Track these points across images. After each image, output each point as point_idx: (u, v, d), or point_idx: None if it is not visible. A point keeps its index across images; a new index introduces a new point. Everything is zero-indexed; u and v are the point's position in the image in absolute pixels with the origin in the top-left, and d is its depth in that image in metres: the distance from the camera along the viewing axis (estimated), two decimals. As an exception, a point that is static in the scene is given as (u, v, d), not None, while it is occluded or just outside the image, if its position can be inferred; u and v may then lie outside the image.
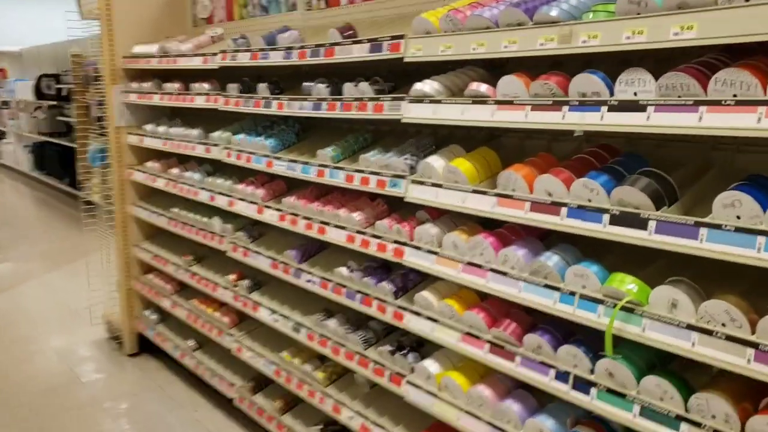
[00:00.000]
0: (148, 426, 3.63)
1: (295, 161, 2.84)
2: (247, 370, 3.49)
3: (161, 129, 3.97)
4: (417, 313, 2.31)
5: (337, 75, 2.80)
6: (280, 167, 2.93)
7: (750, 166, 1.71)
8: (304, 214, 2.84)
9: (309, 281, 2.85)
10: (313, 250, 3.02)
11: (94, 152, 4.35)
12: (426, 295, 2.30)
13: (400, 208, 2.59)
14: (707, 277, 1.63)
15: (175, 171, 3.88)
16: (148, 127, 4.12)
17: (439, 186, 2.16)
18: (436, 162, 2.22)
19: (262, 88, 3.06)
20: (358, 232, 2.55)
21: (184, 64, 3.56)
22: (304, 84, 2.81)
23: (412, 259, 2.31)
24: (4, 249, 7.42)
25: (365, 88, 2.49)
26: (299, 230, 2.86)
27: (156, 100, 3.89)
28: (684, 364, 1.64)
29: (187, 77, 3.80)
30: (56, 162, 11.08)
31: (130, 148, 4.32)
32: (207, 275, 3.68)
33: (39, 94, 11.42)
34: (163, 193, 4.06)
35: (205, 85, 3.49)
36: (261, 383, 3.43)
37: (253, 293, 3.35)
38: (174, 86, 3.76)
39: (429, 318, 2.27)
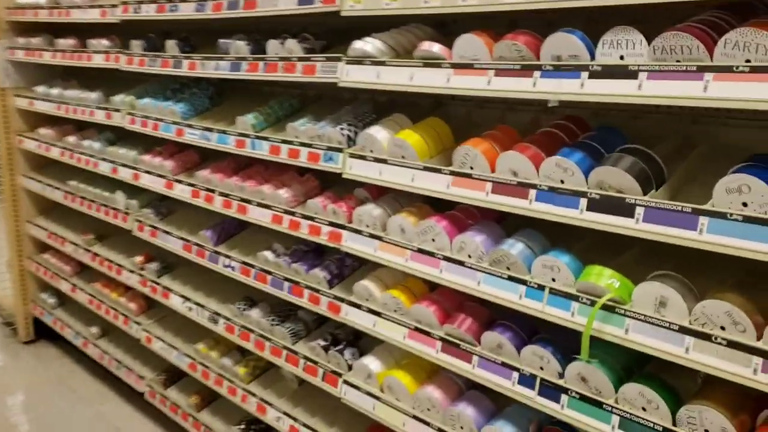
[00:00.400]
0: (47, 423, 3.23)
1: (209, 129, 2.48)
2: (159, 362, 3.14)
3: (54, 91, 3.49)
4: (357, 306, 2.04)
5: (259, 32, 2.45)
6: (192, 136, 2.56)
7: (739, 141, 1.52)
8: (221, 190, 2.50)
9: (228, 266, 2.52)
10: (232, 229, 2.69)
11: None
12: (367, 284, 2.03)
13: (332, 186, 2.30)
14: (691, 267, 1.43)
15: (71, 139, 3.42)
16: (40, 89, 3.62)
17: (384, 161, 1.88)
18: (379, 133, 1.93)
19: (171, 45, 2.66)
20: (286, 212, 2.24)
21: (79, 17, 3.09)
22: (220, 41, 2.44)
23: (351, 244, 2.02)
24: None
25: (293, 46, 2.16)
26: (216, 208, 2.51)
27: (47, 58, 3.39)
28: (661, 365, 1.45)
29: (84, 32, 3.33)
30: None
31: (18, 112, 3.80)
32: (110, 256, 3.27)
33: None
34: (59, 164, 3.58)
35: (104, 42, 3.04)
36: (174, 376, 3.09)
37: (162, 277, 2.99)
38: (68, 43, 3.28)
39: (371, 311, 2.00)
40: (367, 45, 1.89)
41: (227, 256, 2.53)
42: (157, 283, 2.93)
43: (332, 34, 2.23)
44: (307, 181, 2.36)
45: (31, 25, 3.63)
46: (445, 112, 2.13)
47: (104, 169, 3.11)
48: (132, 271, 3.08)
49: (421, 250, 1.83)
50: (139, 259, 3.08)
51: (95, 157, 3.19)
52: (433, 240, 1.81)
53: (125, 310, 3.23)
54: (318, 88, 2.50)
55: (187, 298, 2.77)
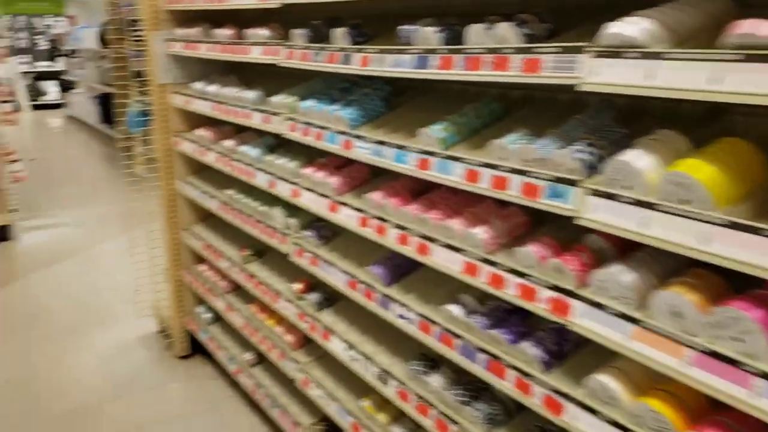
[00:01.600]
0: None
1: (384, 143, 1.94)
2: (318, 407, 2.69)
3: (211, 89, 3.13)
4: (590, 410, 1.40)
5: (455, 14, 1.86)
6: (362, 151, 2.03)
7: None
8: (396, 221, 1.95)
9: (402, 317, 1.97)
10: (407, 266, 2.14)
11: (134, 115, 3.56)
12: (607, 381, 1.38)
13: (545, 224, 1.66)
14: None
15: (229, 143, 3.04)
16: (197, 85, 3.29)
17: (652, 206, 1.22)
18: (640, 161, 1.27)
19: (340, 34, 2.14)
20: (485, 260, 1.64)
21: (235, 2, 2.68)
22: (402, 28, 1.88)
23: (585, 322, 1.39)
24: (63, 209, 6.89)
25: (506, 32, 1.54)
26: (389, 243, 1.97)
27: (203, 50, 3.03)
28: None
29: (244, 21, 2.93)
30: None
31: (177, 111, 3.51)
32: (266, 278, 2.86)
33: (104, 41, 10.85)
34: (217, 169, 3.24)
35: (263, 32, 2.59)
36: (336, 428, 2.62)
37: (323, 312, 2.51)
38: (224, 33, 2.89)
39: (612, 423, 1.36)
40: (632, 28, 1.23)
41: (402, 304, 1.98)
42: (317, 321, 2.46)
43: (561, 15, 1.59)
44: (511, 216, 1.75)
45: (192, 14, 3.31)
46: (726, 125, 1.42)
47: (261, 181, 2.69)
48: (290, 301, 2.64)
49: (715, 354, 1.15)
50: (298, 286, 2.63)
51: (252, 166, 2.77)
52: (739, 339, 1.13)
53: (281, 341, 2.81)
54: (530, 88, 1.87)
55: (351, 345, 2.27)
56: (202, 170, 3.59)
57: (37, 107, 14.58)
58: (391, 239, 1.95)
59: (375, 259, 2.20)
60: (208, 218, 3.65)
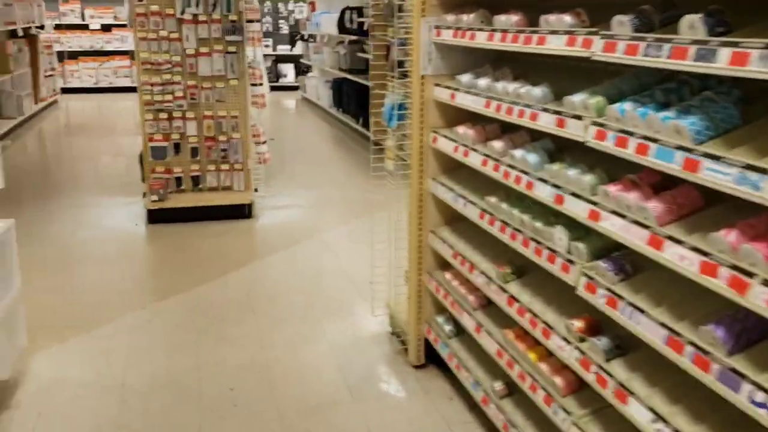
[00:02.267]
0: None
1: (755, 168, 1.43)
2: (585, 466, 2.25)
3: (482, 82, 2.79)
4: None
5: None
6: (716, 175, 1.54)
7: None
8: (766, 276, 1.44)
9: (757, 403, 1.47)
10: (757, 329, 1.62)
11: (391, 108, 3.34)
12: None
13: None
14: None
15: (497, 145, 2.69)
16: (464, 78, 2.96)
17: None
18: None
19: (692, 22, 1.66)
20: None
21: (530, -17, 2.29)
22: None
23: None
24: (297, 190, 7.08)
25: None
26: (752, 304, 1.47)
27: (480, 40, 2.69)
28: None
29: (532, 6, 2.54)
30: (353, 101, 10.77)
31: (437, 105, 3.23)
32: (533, 306, 2.47)
33: (342, 27, 11.13)
34: (474, 170, 2.90)
35: (567, 18, 2.18)
36: (608, 497, 2.18)
37: (613, 362, 2.06)
38: (510, 20, 2.52)
39: None
40: None
41: (755, 384, 1.48)
42: (608, 373, 2.02)
43: None
44: None
45: (464, -2, 3.00)
46: None
47: (543, 194, 2.29)
48: (566, 341, 2.22)
49: None
50: (577, 324, 2.21)
51: (530, 175, 2.38)
52: None
53: (546, 381, 2.41)
54: None
55: (658, 416, 1.80)
56: (455, 170, 3.29)
57: (274, 89, 15.53)
58: (757, 299, 1.45)
59: (705, 311, 1.71)
60: (457, 221, 3.34)
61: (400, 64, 3.30)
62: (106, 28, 14.95)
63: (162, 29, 5.81)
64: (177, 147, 6.08)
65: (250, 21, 5.86)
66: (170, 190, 6.10)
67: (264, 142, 6.16)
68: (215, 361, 3.59)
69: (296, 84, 15.55)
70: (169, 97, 5.92)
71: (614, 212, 1.93)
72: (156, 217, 5.93)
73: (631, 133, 1.83)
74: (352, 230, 5.81)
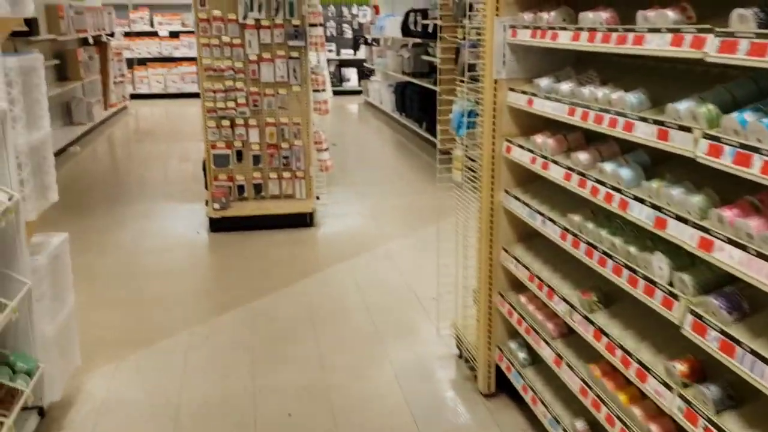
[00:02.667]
0: None
1: None
2: None
3: (565, 87, 2.51)
4: None
5: None
6: None
7: None
8: None
9: None
10: None
11: (460, 115, 3.09)
12: None
13: None
14: None
15: (583, 157, 2.40)
16: (543, 82, 2.69)
17: None
18: None
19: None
20: None
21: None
22: None
23: None
24: (358, 197, 6.90)
25: None
26: None
27: (564, 40, 2.41)
28: None
29: (625, 3, 2.25)
30: (416, 105, 10.54)
31: (510, 111, 2.96)
32: (625, 342, 2.18)
33: (406, 30, 10.92)
34: (552, 183, 2.62)
35: (670, 14, 1.88)
36: None
37: (724, 415, 1.76)
38: (600, 17, 2.23)
39: None
40: None
41: None
42: (720, 429, 1.71)
43: None
44: None
45: (543, -5, 2.73)
46: None
47: (640, 215, 2.00)
48: (666, 387, 1.92)
49: None
50: (680, 367, 1.91)
51: (624, 193, 2.10)
52: None
53: (641, 429, 2.11)
54: None
55: (790, 491, 1.50)
56: (530, 182, 3.01)
57: (337, 93, 15.45)
58: None
59: None
60: (531, 238, 3.06)
61: (471, 67, 3.05)
62: (174, 34, 15.20)
63: (224, 35, 5.72)
64: (239, 155, 5.98)
65: (312, 25, 5.71)
66: (232, 198, 6.01)
67: (326, 149, 5.99)
68: (273, 383, 3.41)
69: (359, 88, 15.45)
70: (231, 104, 5.82)
71: (731, 241, 1.63)
72: (218, 225, 5.84)
73: (756, 149, 1.53)
74: (417, 241, 5.57)
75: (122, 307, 4.34)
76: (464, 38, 3.16)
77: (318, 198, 6.22)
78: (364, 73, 15.21)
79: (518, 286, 3.10)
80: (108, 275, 4.90)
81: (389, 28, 12.36)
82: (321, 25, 5.70)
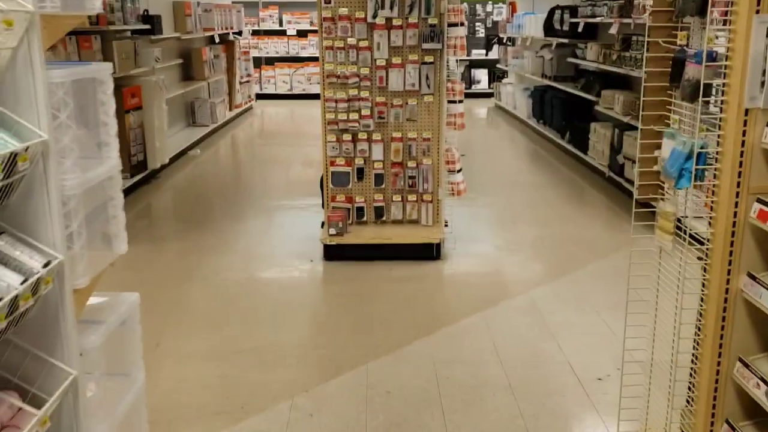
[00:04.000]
0: None
1: None
2: None
3: None
4: None
5: None
6: None
7: None
8: None
9: None
10: None
11: (683, 157, 2.09)
12: None
13: None
14: None
15: None
16: None
17: None
18: None
19: None
20: None
21: None
22: None
23: None
24: (490, 224, 5.94)
25: None
26: None
27: None
28: None
29: None
30: (557, 112, 9.42)
31: (765, 154, 1.94)
32: None
33: (549, 29, 9.81)
34: None
35: None
36: None
37: None
38: None
39: None
40: None
41: None
42: None
43: None
44: None
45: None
46: None
47: None
48: None
49: None
50: None
51: None
52: None
53: None
54: None
55: None
56: (789, 264, 1.97)
57: (466, 95, 14.49)
58: None
59: None
60: (784, 348, 2.02)
61: (705, 89, 2.04)
62: (301, 33, 14.82)
63: (350, 36, 4.95)
64: (360, 173, 5.21)
65: (452, 25, 4.83)
66: (350, 221, 5.24)
67: (459, 171, 5.09)
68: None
69: (490, 90, 14.42)
70: (354, 115, 5.05)
71: None
72: (333, 253, 5.10)
73: None
74: (569, 289, 4.56)
75: (213, 361, 3.64)
76: (689, 45, 2.15)
77: (446, 224, 5.34)
78: (496, 75, 14.16)
79: (757, 414, 2.07)
80: (201, 315, 4.25)
81: (528, 26, 11.27)
82: (462, 24, 4.80)
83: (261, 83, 14.73)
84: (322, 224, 5.33)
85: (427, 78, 5.01)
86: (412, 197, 5.24)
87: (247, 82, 13.19)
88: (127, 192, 6.87)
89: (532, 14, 11.47)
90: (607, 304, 4.25)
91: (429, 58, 4.96)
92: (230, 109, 11.94)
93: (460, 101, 4.91)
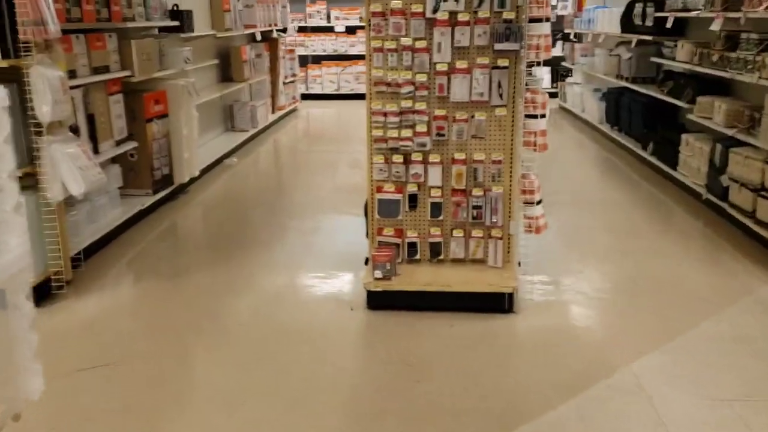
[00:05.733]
0: None
1: None
2: None
3: None
4: None
5: None
6: None
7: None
8: None
9: None
10: None
11: None
12: None
13: None
14: None
15: None
16: None
17: None
18: None
19: None
20: None
21: None
22: None
23: None
24: (566, 265, 4.92)
25: None
26: None
27: None
28: None
29: None
30: (637, 119, 8.29)
31: None
32: None
33: (627, 25, 8.67)
34: None
35: None
36: None
37: None
38: None
39: None
40: None
41: None
42: None
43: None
44: None
45: None
46: None
47: None
48: None
49: None
50: None
51: None
52: None
53: None
54: None
55: None
56: None
57: (527, 96, 13.40)
58: None
59: None
60: None
61: None
62: (350, 30, 13.94)
63: (404, 35, 4.01)
64: (413, 200, 4.27)
65: (535, 20, 3.83)
66: (400, 260, 4.31)
67: (539, 202, 4.10)
68: None
69: (553, 90, 13.27)
70: (407, 132, 4.11)
71: None
72: (378, 301, 4.17)
73: None
74: (686, 365, 3.52)
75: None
76: None
77: (520, 264, 4.36)
78: (560, 74, 13.02)
79: None
80: (210, 388, 3.38)
81: (601, 21, 10.13)
82: (547, 20, 3.80)
83: (307, 83, 13.92)
84: (366, 261, 4.42)
85: (500, 86, 4.03)
86: (477, 232, 4.27)
87: (292, 82, 12.38)
88: (149, 211, 6.08)
89: (605, 8, 10.32)
90: (740, 389, 3.22)
91: (503, 62, 3.98)
92: (273, 112, 11.14)
93: (543, 116, 3.91)
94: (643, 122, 8.06)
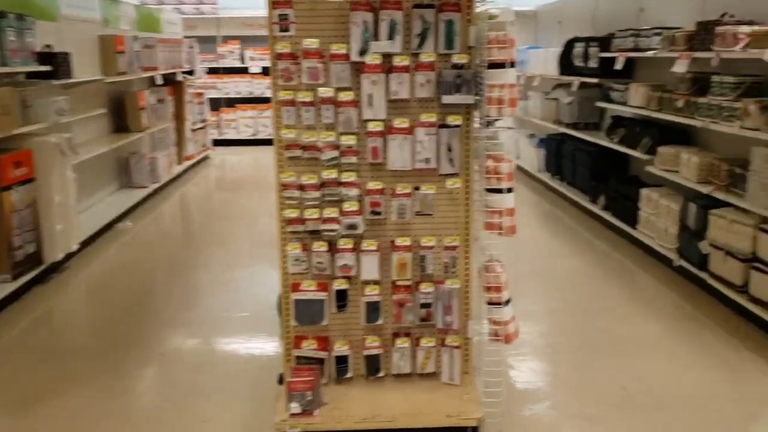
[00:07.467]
0: None
1: None
2: None
3: None
4: None
5: None
6: None
7: None
8: None
9: None
10: None
11: None
12: None
13: None
14: None
15: None
16: None
17: None
18: None
19: None
20: None
21: None
22: None
23: None
24: (555, 380, 3.94)
25: None
26: None
27: None
28: None
29: None
30: (583, 169, 7.55)
31: None
32: None
33: (566, 66, 8.00)
34: None
35: None
36: None
37: None
38: None
39: None
40: None
41: None
42: None
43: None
44: None
45: None
46: None
47: None
48: None
49: None
50: None
51: None
52: None
53: None
54: None
55: None
56: None
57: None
58: None
59: None
60: None
61: None
62: (267, 71, 12.89)
63: (323, 83, 3.00)
64: (341, 299, 3.22)
65: (496, 65, 2.88)
66: (325, 380, 3.24)
67: (507, 302, 3.11)
68: None
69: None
70: (332, 212, 3.08)
71: None
72: (297, 440, 3.07)
73: None
74: None
75: None
76: None
77: (483, 382, 3.34)
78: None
79: None
80: None
81: (535, 62, 9.47)
82: (512, 64, 2.86)
83: (220, 128, 12.76)
84: (280, 380, 3.32)
85: (450, 150, 3.07)
86: (427, 340, 3.25)
87: (203, 128, 11.21)
88: (8, 301, 4.79)
89: (538, 48, 9.71)
90: None
91: (454, 119, 3.03)
92: (180, 162, 9.92)
93: (509, 190, 2.95)
94: (591, 173, 7.33)
